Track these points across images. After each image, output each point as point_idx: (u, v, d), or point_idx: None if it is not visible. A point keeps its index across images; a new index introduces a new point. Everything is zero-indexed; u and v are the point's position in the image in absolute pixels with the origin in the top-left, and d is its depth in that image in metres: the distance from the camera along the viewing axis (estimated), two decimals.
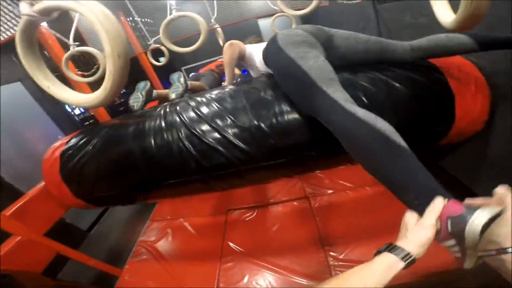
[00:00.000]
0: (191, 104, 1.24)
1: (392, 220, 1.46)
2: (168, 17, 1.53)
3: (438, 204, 0.56)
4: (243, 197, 2.13)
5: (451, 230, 0.52)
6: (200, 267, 1.65)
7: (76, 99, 0.72)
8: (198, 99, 1.26)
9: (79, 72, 1.98)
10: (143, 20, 2.59)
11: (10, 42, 1.60)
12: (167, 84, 3.52)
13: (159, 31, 1.92)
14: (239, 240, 1.76)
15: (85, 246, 2.17)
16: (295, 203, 1.93)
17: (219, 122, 1.13)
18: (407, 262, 0.52)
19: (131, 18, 2.55)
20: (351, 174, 1.94)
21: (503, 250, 0.42)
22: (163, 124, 1.20)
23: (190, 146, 1.13)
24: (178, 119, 1.20)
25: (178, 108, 1.25)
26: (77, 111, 3.12)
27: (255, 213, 1.95)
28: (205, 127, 1.14)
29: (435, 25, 0.83)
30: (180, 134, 1.15)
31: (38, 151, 2.41)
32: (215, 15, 2.51)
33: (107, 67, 0.61)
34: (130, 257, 1.87)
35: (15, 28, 1.05)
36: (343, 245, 1.51)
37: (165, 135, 1.17)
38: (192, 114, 1.19)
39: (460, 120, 1.06)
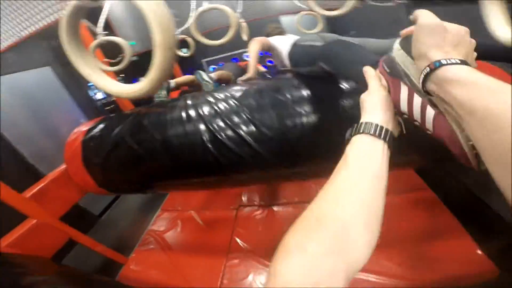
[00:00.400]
0: (210, 100, 1.25)
1: (405, 231, 1.44)
2: (200, 8, 1.52)
3: (368, 68, 0.54)
4: (256, 194, 2.12)
5: (388, 69, 0.48)
6: (205, 261, 1.65)
7: (118, 89, 0.70)
8: (217, 95, 1.27)
9: (106, 60, 2.02)
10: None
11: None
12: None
13: (183, 22, 1.93)
14: (247, 237, 1.75)
15: (95, 231, 2.22)
16: (307, 205, 1.87)
17: (235, 119, 1.13)
18: (382, 136, 0.43)
19: None
20: None
21: (434, 64, 0.35)
22: (184, 116, 1.22)
23: (208, 141, 1.14)
24: (197, 113, 1.21)
25: (198, 102, 1.27)
26: (99, 96, 3.20)
27: (265, 212, 1.93)
28: (221, 123, 1.15)
29: (481, 31, 0.77)
30: (199, 128, 1.17)
31: (61, 133, 2.51)
32: (240, 9, 2.49)
33: (155, 58, 0.59)
34: (138, 245, 1.91)
35: (51, 16, 1.06)
36: None
37: (186, 128, 1.19)
38: (210, 109, 1.21)
39: None
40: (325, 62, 0.98)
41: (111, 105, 3.24)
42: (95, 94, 3.18)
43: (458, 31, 0.37)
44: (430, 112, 0.40)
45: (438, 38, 0.37)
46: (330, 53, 0.96)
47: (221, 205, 2.11)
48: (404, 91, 0.44)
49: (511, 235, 1.21)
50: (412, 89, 0.42)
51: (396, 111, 0.47)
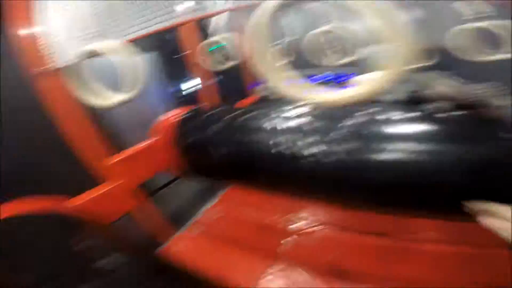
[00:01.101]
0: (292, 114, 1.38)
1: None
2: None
3: None
4: (318, 211, 2.05)
5: None
6: (248, 262, 1.66)
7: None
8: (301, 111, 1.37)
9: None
10: None
11: None
12: None
13: None
14: (298, 248, 1.71)
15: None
16: (372, 235, 1.75)
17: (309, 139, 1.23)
18: None
19: None
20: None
21: None
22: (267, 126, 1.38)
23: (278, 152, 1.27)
24: (280, 124, 1.35)
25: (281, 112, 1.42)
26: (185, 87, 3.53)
27: (324, 231, 1.86)
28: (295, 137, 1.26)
29: None
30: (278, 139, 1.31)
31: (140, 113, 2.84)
32: None
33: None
34: (184, 229, 1.98)
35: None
36: None
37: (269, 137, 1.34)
38: (291, 123, 1.34)
39: None
40: None
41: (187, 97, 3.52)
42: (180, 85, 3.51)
43: None
44: None
45: None
46: None
47: (279, 212, 2.08)
48: None
49: None
50: None
51: None
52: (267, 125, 1.39)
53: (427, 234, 1.68)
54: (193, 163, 1.63)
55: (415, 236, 1.70)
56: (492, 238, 1.47)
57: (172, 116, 1.75)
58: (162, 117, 1.79)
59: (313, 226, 1.91)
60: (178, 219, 2.13)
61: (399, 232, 1.72)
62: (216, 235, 1.92)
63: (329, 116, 1.29)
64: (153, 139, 1.75)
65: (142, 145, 1.76)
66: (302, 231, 1.89)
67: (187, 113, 1.72)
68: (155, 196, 2.60)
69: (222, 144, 1.47)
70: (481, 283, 1.31)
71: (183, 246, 1.84)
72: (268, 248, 1.73)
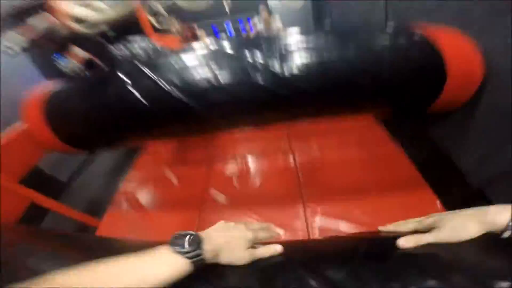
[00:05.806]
0: None
1: (369, 182, 1.52)
2: None
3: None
4: (228, 146, 2.16)
5: None
6: (180, 216, 1.65)
7: None
8: None
9: None
10: None
11: None
12: None
13: None
14: (221, 189, 1.77)
15: (65, 198, 2.07)
16: (279, 156, 1.94)
17: None
18: (193, 262, 0.44)
19: None
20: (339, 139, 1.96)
21: None
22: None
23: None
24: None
25: None
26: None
27: (239, 164, 1.97)
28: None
29: None
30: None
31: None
32: None
33: None
34: (109, 207, 1.82)
35: None
36: (323, 201, 1.49)
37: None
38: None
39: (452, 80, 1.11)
40: None
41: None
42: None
43: None
44: None
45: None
46: None
47: (194, 160, 2.13)
48: None
49: (467, 191, 1.35)
50: None
51: None
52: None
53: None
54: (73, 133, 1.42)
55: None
56: None
57: (41, 89, 1.43)
58: (31, 93, 1.43)
59: (229, 163, 2.01)
60: (102, 199, 1.98)
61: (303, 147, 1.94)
62: (141, 204, 1.84)
63: None
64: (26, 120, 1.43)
65: (11, 130, 1.41)
66: (221, 170, 1.96)
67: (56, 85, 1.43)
68: (73, 182, 2.39)
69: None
70: None
71: (115, 225, 1.69)
72: (194, 196, 1.75)
